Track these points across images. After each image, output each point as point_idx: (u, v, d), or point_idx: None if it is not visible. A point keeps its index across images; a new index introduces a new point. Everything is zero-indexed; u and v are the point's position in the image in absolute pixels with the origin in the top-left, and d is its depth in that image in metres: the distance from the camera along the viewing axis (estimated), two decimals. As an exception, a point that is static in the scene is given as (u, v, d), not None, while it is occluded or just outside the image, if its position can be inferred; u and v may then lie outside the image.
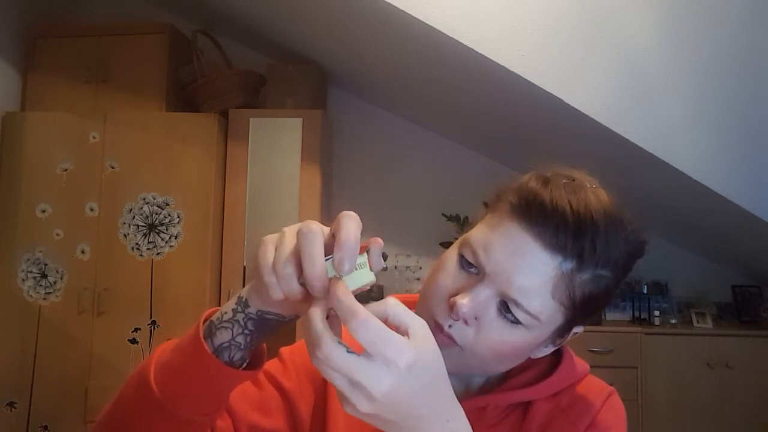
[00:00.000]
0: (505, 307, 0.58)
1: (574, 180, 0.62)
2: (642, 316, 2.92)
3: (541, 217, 0.57)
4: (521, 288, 0.57)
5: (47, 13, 3.13)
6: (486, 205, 0.67)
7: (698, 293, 3.00)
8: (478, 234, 0.61)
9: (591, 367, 0.74)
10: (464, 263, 0.61)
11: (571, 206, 0.57)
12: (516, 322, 0.58)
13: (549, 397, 0.68)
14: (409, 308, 0.80)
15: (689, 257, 3.13)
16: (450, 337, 0.59)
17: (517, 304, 0.58)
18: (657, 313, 2.89)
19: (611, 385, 0.72)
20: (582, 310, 0.61)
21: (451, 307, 0.58)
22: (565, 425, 0.66)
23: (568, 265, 0.58)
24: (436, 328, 0.59)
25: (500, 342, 0.59)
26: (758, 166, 2.24)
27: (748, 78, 2.24)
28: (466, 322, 0.59)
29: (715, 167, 2.16)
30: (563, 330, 0.63)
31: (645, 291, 3.04)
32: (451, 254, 0.63)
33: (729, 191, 2.17)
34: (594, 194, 0.60)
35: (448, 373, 0.51)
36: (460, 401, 0.65)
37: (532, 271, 0.57)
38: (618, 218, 0.60)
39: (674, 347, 2.70)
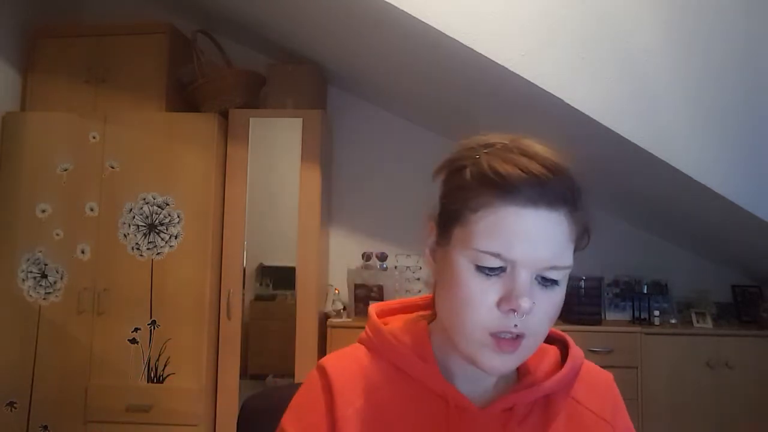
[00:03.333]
0: (543, 278, 0.62)
1: (506, 144, 0.65)
2: (642, 316, 2.92)
3: (528, 186, 0.60)
4: (553, 256, 0.61)
5: (47, 13, 3.13)
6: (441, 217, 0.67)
7: (698, 293, 3.00)
8: (484, 240, 0.61)
9: (613, 377, 0.79)
10: (486, 271, 0.62)
11: (538, 163, 0.61)
12: (555, 281, 0.62)
13: (564, 387, 0.72)
14: (391, 313, 0.81)
15: (689, 257, 3.13)
16: (519, 336, 0.62)
17: (555, 267, 0.61)
18: (657, 313, 2.90)
19: None
20: (582, 238, 0.66)
21: (513, 311, 0.60)
22: (592, 419, 0.71)
23: (570, 209, 0.62)
24: (500, 343, 0.61)
25: (552, 307, 0.63)
26: (758, 165, 2.24)
27: (748, 78, 2.24)
28: (530, 312, 0.61)
29: (714, 167, 2.16)
30: None
31: (645, 291, 3.04)
32: (466, 274, 0.62)
33: (729, 191, 2.17)
34: (532, 144, 0.64)
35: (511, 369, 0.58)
36: (486, 406, 0.67)
37: (552, 235, 0.61)
38: (556, 151, 0.64)
39: (674, 347, 2.70)
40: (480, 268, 0.61)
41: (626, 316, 3.02)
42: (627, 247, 3.14)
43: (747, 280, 3.07)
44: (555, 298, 0.63)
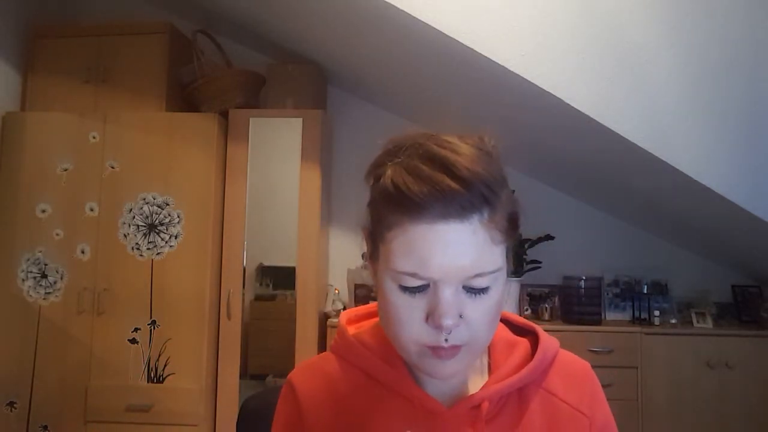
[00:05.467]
0: (470, 287, 0.60)
1: (417, 146, 0.61)
2: (642, 316, 2.92)
3: (434, 202, 0.57)
4: (473, 265, 0.58)
5: (47, 13, 3.14)
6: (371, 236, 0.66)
7: (698, 293, 3.00)
8: (399, 260, 0.60)
9: (591, 367, 0.76)
10: (410, 291, 0.60)
11: (446, 174, 0.57)
12: (485, 288, 0.60)
13: (536, 380, 0.70)
14: (366, 317, 0.81)
15: (689, 257, 3.13)
16: (453, 347, 0.60)
17: (480, 275, 0.59)
18: (657, 313, 2.89)
19: (610, 385, 0.74)
20: (511, 231, 0.63)
21: (438, 328, 0.59)
22: (569, 412, 0.69)
23: (485, 214, 0.59)
24: (437, 351, 0.61)
25: (487, 313, 0.61)
26: (758, 165, 2.24)
27: (747, 76, 2.24)
28: (457, 326, 0.60)
29: (714, 166, 2.16)
30: (507, 255, 0.64)
31: (645, 291, 3.04)
32: (392, 293, 0.61)
33: (729, 191, 2.17)
34: (442, 144, 0.60)
35: (459, 373, 0.52)
36: (453, 407, 0.66)
37: (468, 246, 0.58)
38: (472, 146, 0.61)
39: (674, 347, 2.70)
40: (403, 288, 0.60)
41: (626, 316, 3.01)
42: (627, 247, 3.14)
43: (747, 280, 3.07)
44: (487, 305, 0.61)
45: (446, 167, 0.58)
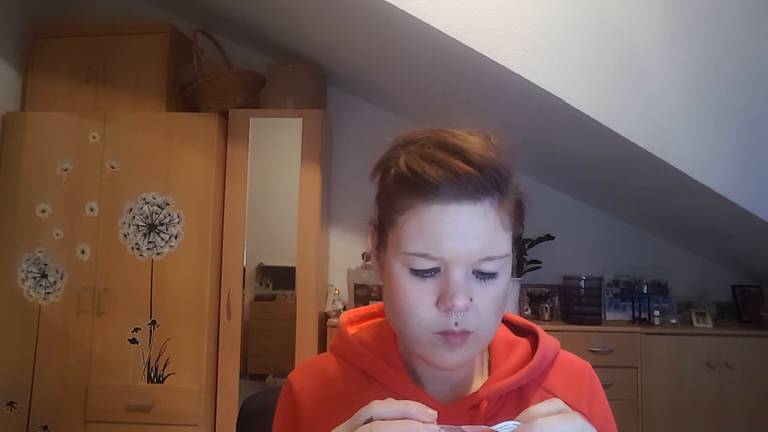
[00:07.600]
0: (480, 271, 0.61)
1: (428, 137, 0.63)
2: (642, 316, 2.92)
3: (448, 184, 0.59)
4: (483, 248, 0.59)
5: (47, 13, 3.14)
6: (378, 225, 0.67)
7: (698, 293, 3.00)
8: (410, 242, 0.60)
9: (591, 366, 0.76)
10: (419, 274, 0.61)
11: (460, 158, 0.59)
12: (494, 273, 0.61)
13: (536, 379, 0.71)
14: (366, 318, 0.81)
15: (689, 257, 3.13)
16: (464, 332, 0.61)
17: (490, 258, 0.60)
18: (657, 313, 2.89)
19: (611, 385, 0.74)
20: (519, 217, 0.65)
21: (449, 310, 0.59)
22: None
23: (496, 198, 0.60)
24: (447, 336, 0.61)
25: (493, 300, 0.62)
26: (758, 165, 2.24)
27: (747, 76, 2.24)
28: (467, 309, 0.60)
29: (714, 166, 2.16)
30: (512, 248, 0.65)
31: (645, 291, 3.04)
32: (402, 279, 0.62)
33: (728, 191, 2.17)
34: (453, 134, 0.62)
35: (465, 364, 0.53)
36: (452, 405, 0.67)
37: (479, 228, 0.59)
38: (481, 138, 0.63)
39: (674, 347, 2.70)
40: (414, 271, 0.61)
41: (626, 316, 3.02)
42: (627, 247, 3.14)
43: (747, 280, 3.07)
44: (495, 291, 0.62)
45: (459, 153, 0.60)
